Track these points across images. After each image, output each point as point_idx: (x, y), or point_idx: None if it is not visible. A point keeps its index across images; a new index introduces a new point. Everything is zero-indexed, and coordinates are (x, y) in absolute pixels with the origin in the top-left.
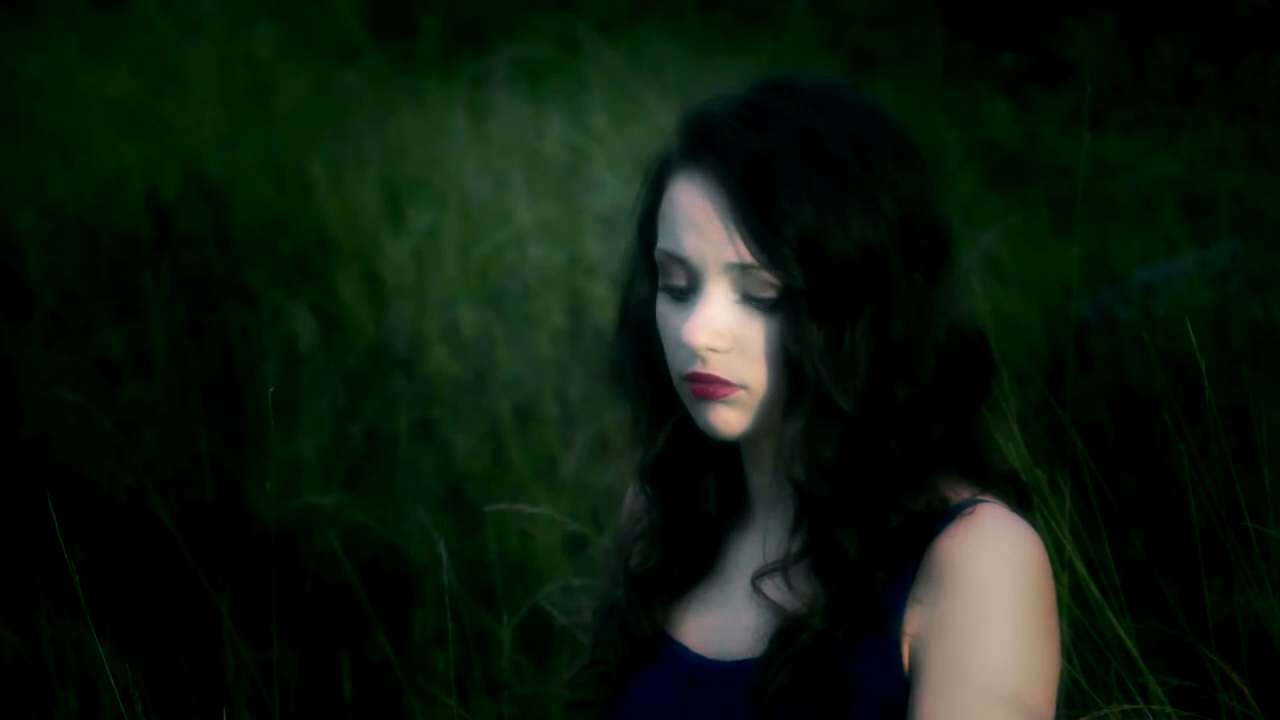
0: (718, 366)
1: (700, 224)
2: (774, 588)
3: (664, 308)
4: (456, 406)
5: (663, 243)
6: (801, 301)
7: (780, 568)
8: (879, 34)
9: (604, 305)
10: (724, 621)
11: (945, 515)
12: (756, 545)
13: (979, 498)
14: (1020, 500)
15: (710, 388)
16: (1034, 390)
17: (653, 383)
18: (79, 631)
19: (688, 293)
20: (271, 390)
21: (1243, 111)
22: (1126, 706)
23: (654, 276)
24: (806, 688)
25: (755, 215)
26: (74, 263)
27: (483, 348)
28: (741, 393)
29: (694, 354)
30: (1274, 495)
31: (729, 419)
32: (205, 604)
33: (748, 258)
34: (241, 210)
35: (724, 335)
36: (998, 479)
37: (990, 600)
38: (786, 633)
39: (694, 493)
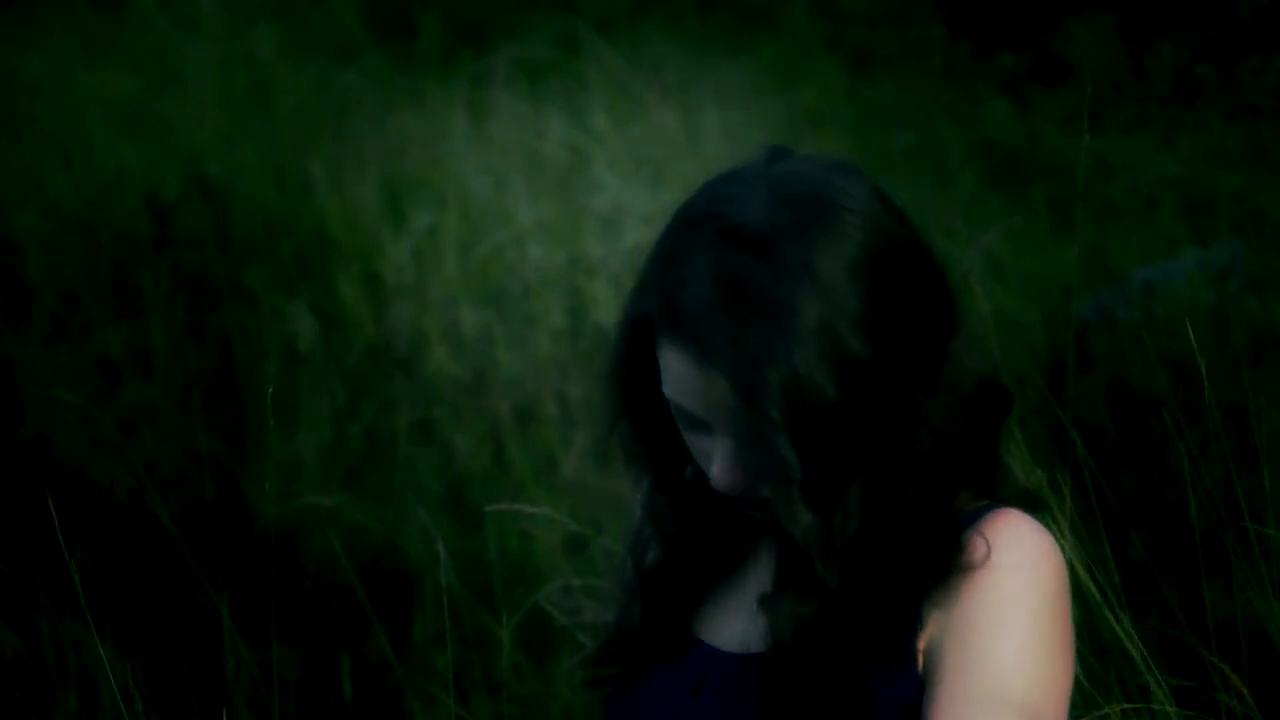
0: (750, 490)
1: (703, 398)
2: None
3: (681, 420)
4: (456, 406)
5: (669, 391)
6: (792, 487)
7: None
8: (879, 34)
9: (604, 305)
10: (746, 618)
11: (963, 521)
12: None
13: (996, 503)
14: (1031, 511)
15: (745, 503)
16: (1034, 390)
17: (666, 450)
18: (79, 631)
19: (703, 427)
20: (271, 390)
21: (1243, 111)
22: (1127, 705)
23: (650, 373)
24: (820, 686)
25: (747, 410)
26: (74, 263)
27: (483, 348)
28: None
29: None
30: (1274, 495)
31: (763, 507)
32: (205, 604)
33: (749, 428)
34: (241, 210)
35: (749, 470)
36: (1010, 497)
37: (1006, 604)
38: (802, 633)
39: (715, 517)
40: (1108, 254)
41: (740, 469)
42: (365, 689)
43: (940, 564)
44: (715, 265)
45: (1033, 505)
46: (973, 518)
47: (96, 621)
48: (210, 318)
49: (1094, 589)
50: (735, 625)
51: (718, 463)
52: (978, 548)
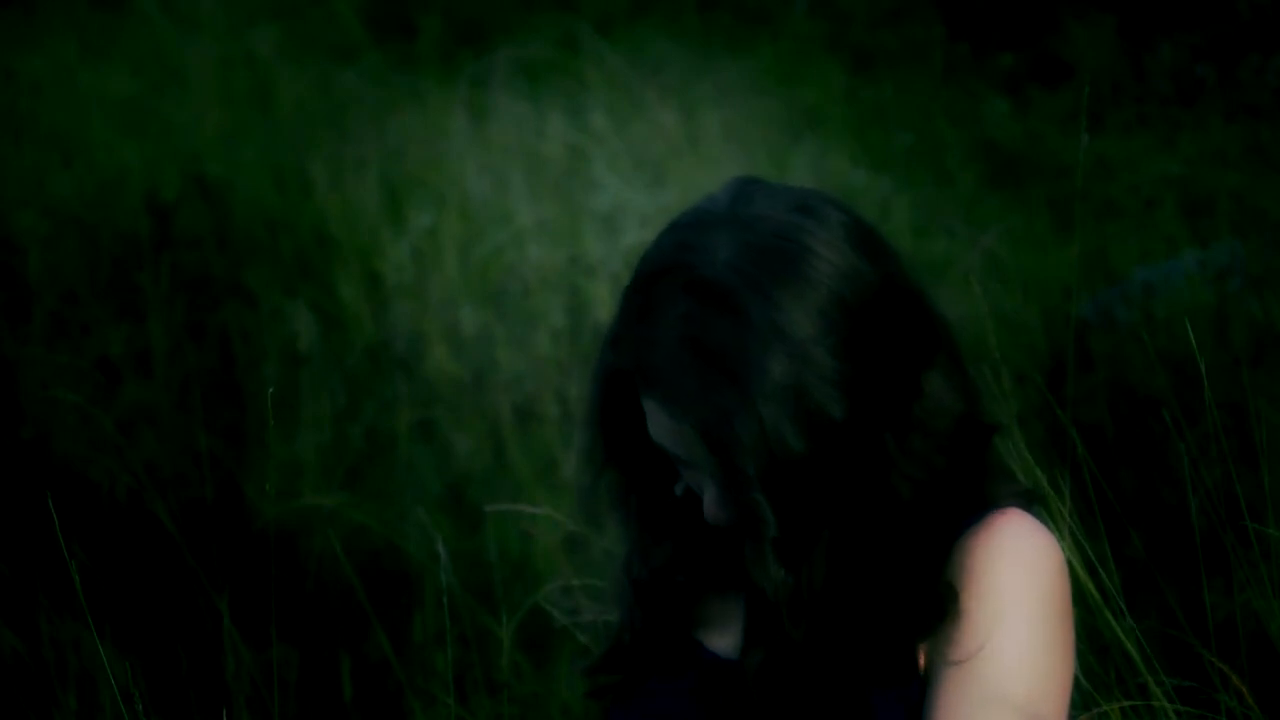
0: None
1: (683, 447)
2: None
3: (672, 457)
4: (456, 406)
5: (654, 435)
6: (765, 542)
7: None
8: (879, 34)
9: (604, 305)
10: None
11: (962, 524)
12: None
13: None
14: (1028, 507)
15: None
16: (1034, 390)
17: (655, 474)
18: (79, 631)
19: (692, 465)
20: (271, 390)
21: (1243, 111)
22: (1127, 703)
23: (633, 409)
24: (822, 688)
25: (720, 466)
26: (74, 263)
27: (483, 348)
28: None
29: None
30: (1274, 495)
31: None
32: (205, 604)
33: (726, 480)
34: (241, 210)
35: (735, 508)
36: (1007, 497)
37: (1007, 603)
38: (805, 636)
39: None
40: (1107, 254)
41: (726, 508)
42: (365, 689)
43: (924, 619)
44: (682, 323)
45: (1030, 501)
46: (972, 520)
47: (96, 621)
48: (210, 318)
49: (1094, 589)
50: (738, 631)
51: (707, 498)
52: (973, 563)
